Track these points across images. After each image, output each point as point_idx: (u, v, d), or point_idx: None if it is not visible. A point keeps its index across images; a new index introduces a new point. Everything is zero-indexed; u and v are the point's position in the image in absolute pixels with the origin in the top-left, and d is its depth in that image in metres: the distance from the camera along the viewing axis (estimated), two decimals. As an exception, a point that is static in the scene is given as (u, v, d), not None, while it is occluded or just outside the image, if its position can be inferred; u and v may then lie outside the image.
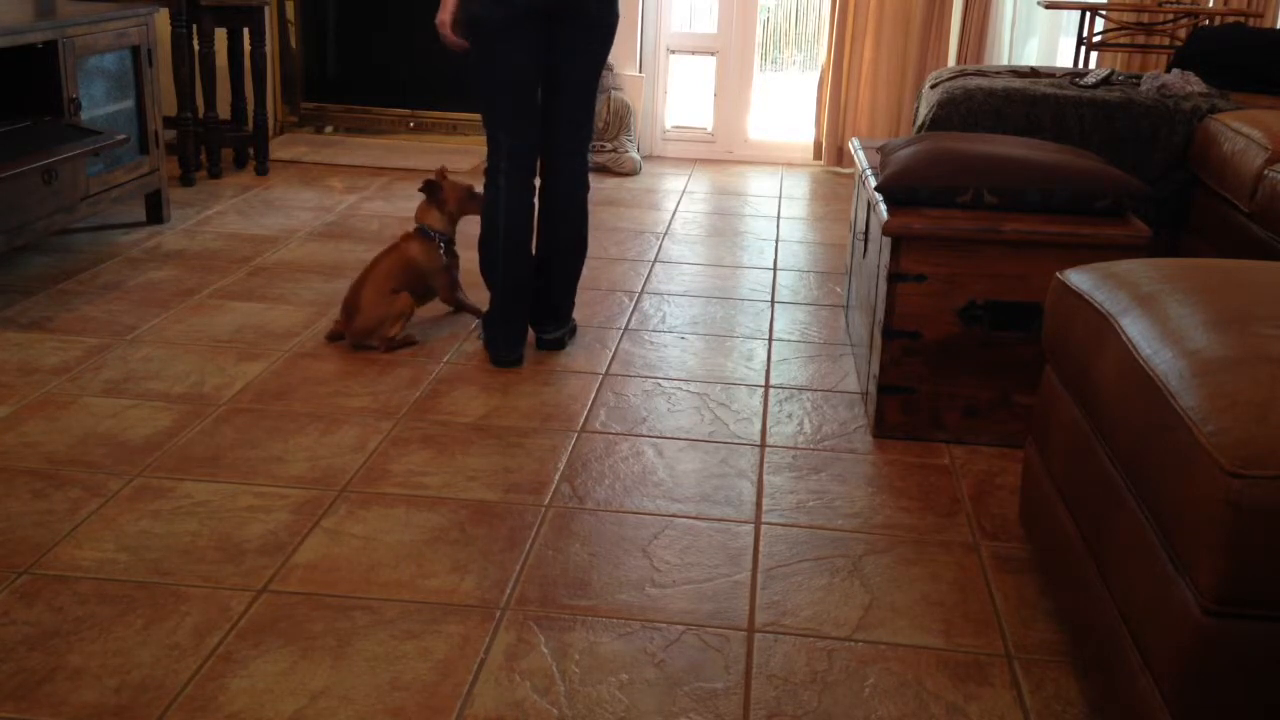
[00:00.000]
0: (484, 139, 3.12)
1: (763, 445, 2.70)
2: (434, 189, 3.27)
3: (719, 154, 5.77)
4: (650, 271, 3.94)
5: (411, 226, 3.31)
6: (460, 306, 3.38)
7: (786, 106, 6.82)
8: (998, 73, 4.17)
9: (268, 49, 5.18)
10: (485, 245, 3.09)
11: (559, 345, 3.23)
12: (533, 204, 3.08)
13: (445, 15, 2.95)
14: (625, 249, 4.20)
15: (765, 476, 2.55)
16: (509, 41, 2.91)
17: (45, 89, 3.65)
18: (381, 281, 3.15)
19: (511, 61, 2.94)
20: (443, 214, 3.28)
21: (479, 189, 3.21)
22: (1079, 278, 1.99)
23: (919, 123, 4.02)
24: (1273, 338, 1.58)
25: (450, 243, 3.30)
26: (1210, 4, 5.28)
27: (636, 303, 3.63)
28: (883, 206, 2.72)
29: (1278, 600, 1.38)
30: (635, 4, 5.47)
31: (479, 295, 3.33)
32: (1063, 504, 1.95)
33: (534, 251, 3.15)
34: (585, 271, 3.88)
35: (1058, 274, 2.07)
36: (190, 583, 2.07)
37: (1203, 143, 3.62)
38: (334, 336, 3.19)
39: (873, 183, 2.92)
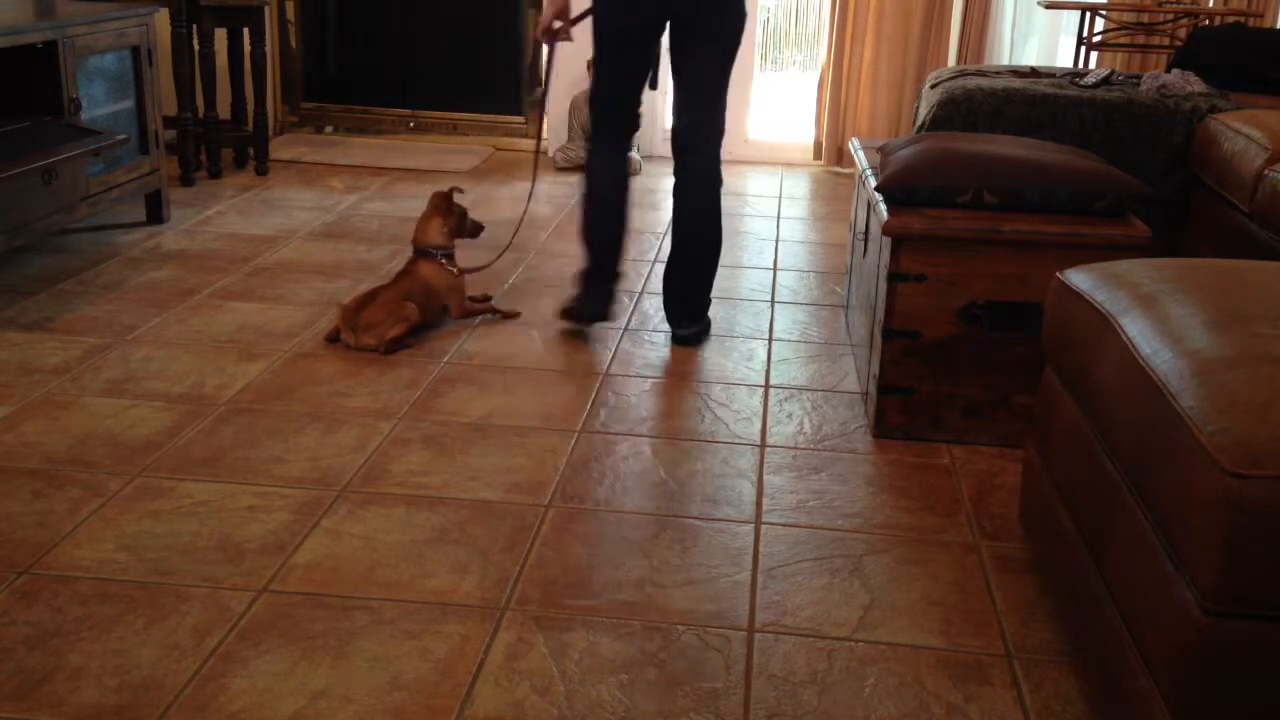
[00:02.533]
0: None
1: (763, 445, 2.70)
2: (449, 201, 3.37)
3: (719, 154, 5.76)
4: (650, 271, 3.94)
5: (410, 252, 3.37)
6: (474, 314, 3.39)
7: (786, 106, 6.82)
8: (998, 73, 4.17)
9: (268, 49, 5.17)
10: (583, 207, 3.33)
11: (693, 342, 3.29)
12: (625, 173, 3.32)
13: (556, 7, 3.20)
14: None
15: (765, 476, 2.55)
16: (622, 40, 3.18)
17: (45, 89, 3.65)
18: (396, 298, 3.18)
19: (616, 63, 3.21)
20: (448, 228, 3.36)
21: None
22: (1079, 278, 1.99)
23: (919, 123, 4.02)
24: (1273, 338, 1.58)
25: (451, 257, 3.36)
26: (1210, 4, 5.28)
27: (636, 303, 3.63)
28: (883, 206, 2.72)
29: (1278, 600, 1.38)
30: (635, 4, 5.47)
31: (481, 288, 3.32)
32: (1063, 504, 1.95)
33: (670, 250, 3.32)
34: (585, 271, 3.89)
35: (1058, 274, 2.07)
36: (190, 583, 2.07)
37: (1203, 143, 3.62)
38: (332, 338, 3.20)
39: (873, 183, 2.92)
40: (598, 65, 3.26)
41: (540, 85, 5.70)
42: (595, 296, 3.31)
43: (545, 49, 4.00)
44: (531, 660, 1.90)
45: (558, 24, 3.22)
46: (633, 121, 3.32)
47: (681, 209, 3.28)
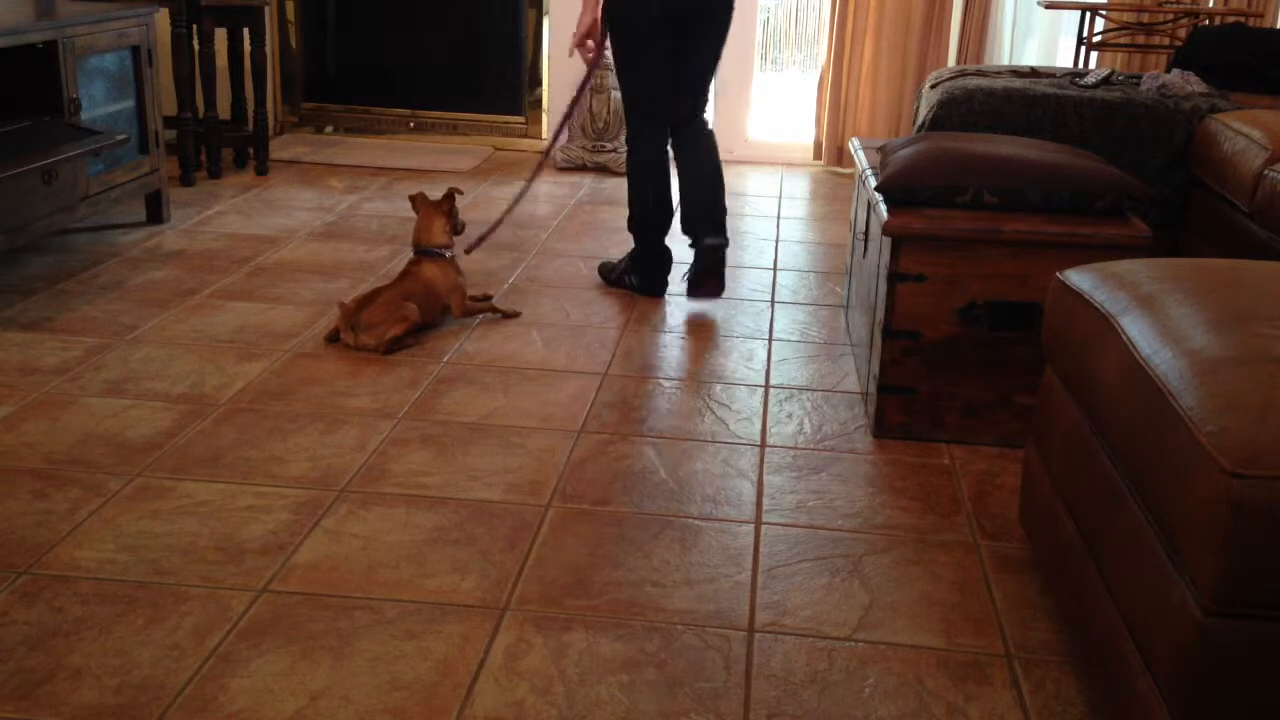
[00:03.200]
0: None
1: (763, 445, 2.70)
2: (450, 202, 3.39)
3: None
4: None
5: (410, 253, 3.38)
6: (475, 313, 3.39)
7: (786, 106, 6.82)
8: (998, 73, 4.17)
9: (268, 49, 5.18)
10: (633, 197, 3.61)
11: (720, 253, 3.51)
12: (668, 164, 3.60)
13: (583, 27, 3.47)
14: (626, 248, 4.19)
15: (765, 476, 2.55)
16: (648, 40, 3.42)
17: (45, 89, 3.65)
18: (396, 298, 3.17)
19: (648, 62, 3.45)
20: (449, 228, 3.38)
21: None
22: (1079, 278, 1.99)
23: (919, 123, 4.02)
24: (1273, 338, 1.58)
25: (452, 256, 3.37)
26: (1210, 4, 5.28)
27: (637, 302, 3.63)
28: (883, 206, 2.72)
29: (1278, 600, 1.38)
30: (635, 4, 5.47)
31: (481, 288, 3.32)
32: (1063, 504, 1.95)
33: (680, 191, 3.59)
34: (583, 271, 3.90)
35: (1058, 274, 2.07)
36: (190, 583, 2.07)
37: (1203, 143, 3.62)
38: (332, 338, 3.20)
39: (873, 183, 2.92)
40: (624, 70, 3.50)
41: (540, 87, 5.70)
42: (652, 276, 3.66)
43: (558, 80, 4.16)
44: (531, 660, 1.90)
45: (590, 43, 3.47)
46: (666, 118, 3.57)
47: (685, 157, 3.58)
